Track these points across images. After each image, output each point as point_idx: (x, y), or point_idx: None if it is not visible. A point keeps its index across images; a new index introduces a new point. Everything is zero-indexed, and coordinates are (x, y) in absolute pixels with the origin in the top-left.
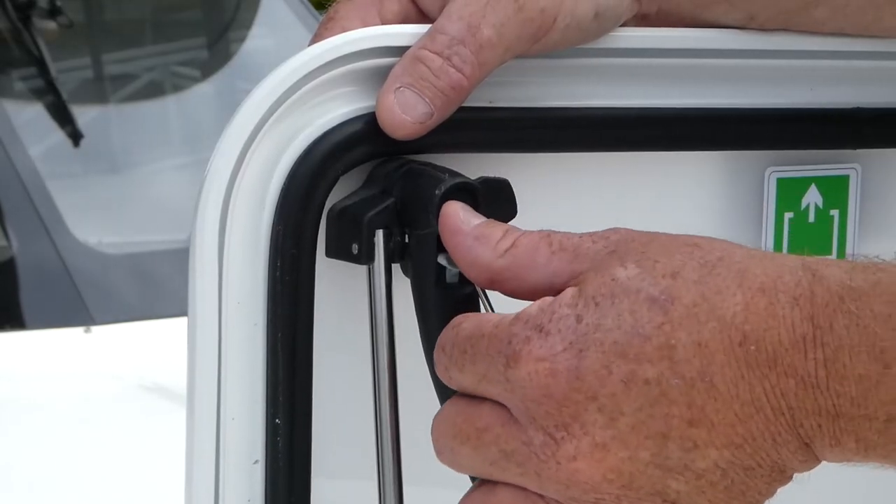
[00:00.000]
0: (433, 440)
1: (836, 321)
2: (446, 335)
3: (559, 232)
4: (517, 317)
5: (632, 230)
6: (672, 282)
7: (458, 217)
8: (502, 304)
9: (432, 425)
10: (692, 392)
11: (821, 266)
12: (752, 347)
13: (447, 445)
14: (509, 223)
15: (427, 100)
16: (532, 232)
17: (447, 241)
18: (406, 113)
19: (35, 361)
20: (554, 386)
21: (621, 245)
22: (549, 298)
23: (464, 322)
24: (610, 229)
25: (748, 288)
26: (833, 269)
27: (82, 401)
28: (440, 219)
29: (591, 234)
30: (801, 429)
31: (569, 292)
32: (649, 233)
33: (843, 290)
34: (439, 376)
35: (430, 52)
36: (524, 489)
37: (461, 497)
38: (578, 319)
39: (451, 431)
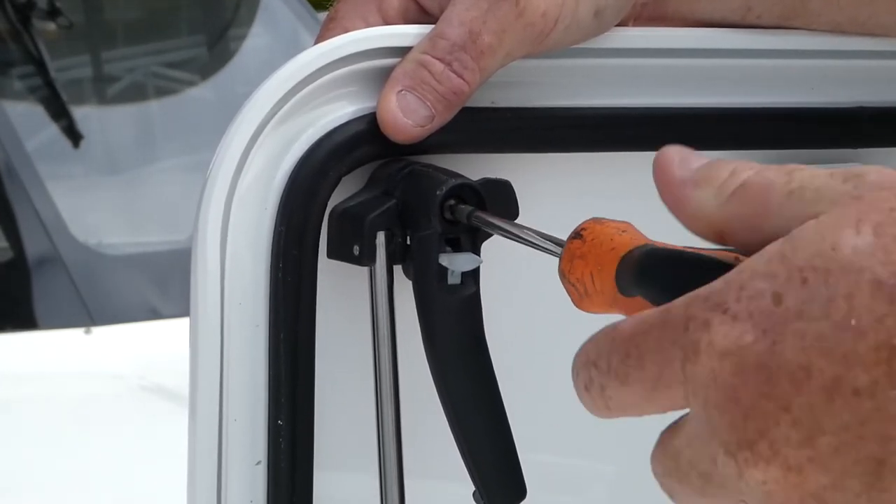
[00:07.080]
0: None
1: None
2: (597, 344)
3: (807, 168)
4: (696, 294)
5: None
6: None
7: (674, 164)
8: (512, 306)
9: None
10: None
11: None
12: None
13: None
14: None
15: (428, 104)
16: (771, 167)
17: (663, 197)
18: (408, 116)
19: (35, 362)
20: (741, 389)
21: (869, 192)
22: (743, 265)
23: (619, 323)
24: (870, 167)
25: None
26: None
27: (82, 401)
28: (655, 169)
29: (841, 171)
30: None
31: (767, 254)
32: None
33: None
34: (588, 405)
35: (432, 57)
36: None
37: None
38: (777, 300)
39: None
